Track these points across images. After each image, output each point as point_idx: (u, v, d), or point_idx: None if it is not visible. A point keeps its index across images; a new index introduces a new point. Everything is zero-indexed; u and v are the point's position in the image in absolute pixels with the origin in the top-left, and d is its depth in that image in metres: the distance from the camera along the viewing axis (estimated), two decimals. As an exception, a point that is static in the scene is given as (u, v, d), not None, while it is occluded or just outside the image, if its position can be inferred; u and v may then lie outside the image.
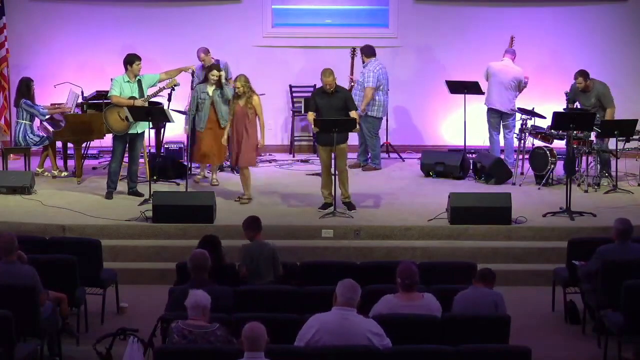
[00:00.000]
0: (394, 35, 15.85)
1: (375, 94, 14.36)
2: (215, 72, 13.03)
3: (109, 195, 12.66)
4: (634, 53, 15.73)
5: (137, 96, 12.64)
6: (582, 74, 13.54)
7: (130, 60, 12.66)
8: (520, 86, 14.31)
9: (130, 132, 12.67)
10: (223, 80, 13.12)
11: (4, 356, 7.49)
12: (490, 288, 8.01)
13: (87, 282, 9.46)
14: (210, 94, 13.02)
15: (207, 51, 14.24)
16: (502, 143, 14.51)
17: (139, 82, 12.68)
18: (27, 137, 13.75)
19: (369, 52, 14.57)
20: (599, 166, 13.48)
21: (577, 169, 13.38)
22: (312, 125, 11.99)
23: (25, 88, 13.90)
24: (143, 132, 12.86)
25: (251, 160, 12.54)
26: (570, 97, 13.80)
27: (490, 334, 7.54)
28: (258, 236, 9.24)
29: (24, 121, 13.69)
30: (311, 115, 11.96)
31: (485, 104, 14.49)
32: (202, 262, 7.91)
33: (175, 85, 13.17)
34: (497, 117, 14.41)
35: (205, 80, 13.20)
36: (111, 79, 12.83)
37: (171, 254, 10.93)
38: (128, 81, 12.67)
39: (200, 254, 8.01)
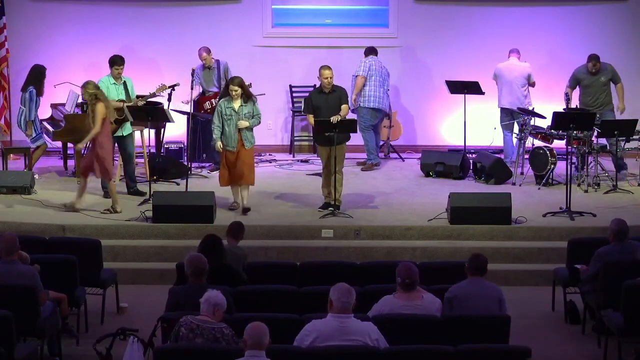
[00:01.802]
0: (394, 35, 15.85)
1: (366, 84, 14.40)
2: (232, 86, 11.79)
3: (107, 195, 12.65)
4: (634, 53, 15.72)
5: (123, 98, 12.57)
6: (597, 58, 13.90)
7: (111, 61, 12.60)
8: (530, 80, 14.38)
9: (115, 135, 12.50)
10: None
11: (4, 356, 7.49)
12: (486, 278, 7.97)
13: (87, 282, 9.46)
14: (237, 109, 11.79)
15: (208, 51, 14.24)
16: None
17: (125, 84, 12.63)
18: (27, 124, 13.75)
19: (367, 51, 14.72)
20: (597, 167, 13.48)
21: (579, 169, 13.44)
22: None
23: (39, 75, 13.75)
24: (131, 134, 12.76)
25: (102, 171, 11.76)
26: (573, 84, 14.03)
27: (490, 334, 7.54)
28: (233, 242, 9.27)
29: (26, 108, 13.64)
30: (312, 118, 11.96)
31: (498, 105, 14.51)
32: (202, 267, 7.83)
33: (175, 86, 13.19)
34: (509, 117, 14.38)
35: (228, 94, 11.91)
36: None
37: (171, 254, 10.93)
38: (114, 83, 12.63)
39: (199, 258, 7.91)
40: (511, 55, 14.59)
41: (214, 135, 11.89)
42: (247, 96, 11.84)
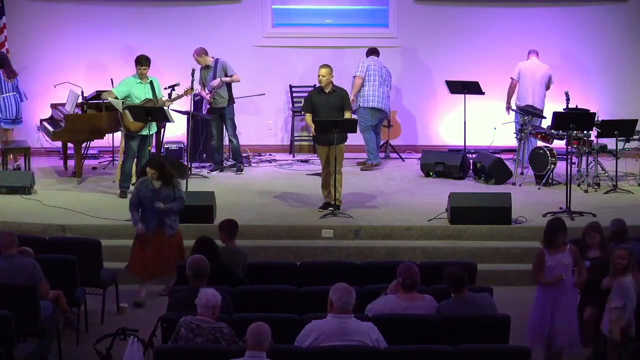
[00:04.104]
0: (394, 35, 15.85)
1: (364, 84, 14.39)
2: (148, 168, 10.27)
3: (123, 195, 12.63)
4: (634, 53, 15.72)
5: (150, 97, 12.62)
6: None
7: (136, 61, 12.71)
8: (550, 82, 14.37)
9: (142, 133, 12.65)
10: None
11: (4, 356, 7.49)
12: (469, 290, 7.85)
13: (87, 282, 9.47)
14: (156, 190, 10.19)
15: (199, 52, 14.03)
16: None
17: (151, 83, 12.67)
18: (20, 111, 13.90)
19: (368, 52, 14.76)
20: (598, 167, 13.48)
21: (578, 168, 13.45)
22: (312, 128, 11.94)
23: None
24: (153, 134, 12.87)
25: None
26: None
27: (490, 334, 7.54)
28: (230, 242, 9.23)
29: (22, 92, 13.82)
30: (309, 117, 11.93)
31: (516, 103, 14.41)
32: (203, 269, 7.82)
33: (190, 93, 13.27)
34: (525, 117, 14.11)
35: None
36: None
37: (171, 254, 10.91)
38: (140, 82, 12.67)
39: (201, 260, 7.89)
40: (531, 56, 14.57)
41: (131, 217, 10.31)
42: (168, 179, 10.18)
